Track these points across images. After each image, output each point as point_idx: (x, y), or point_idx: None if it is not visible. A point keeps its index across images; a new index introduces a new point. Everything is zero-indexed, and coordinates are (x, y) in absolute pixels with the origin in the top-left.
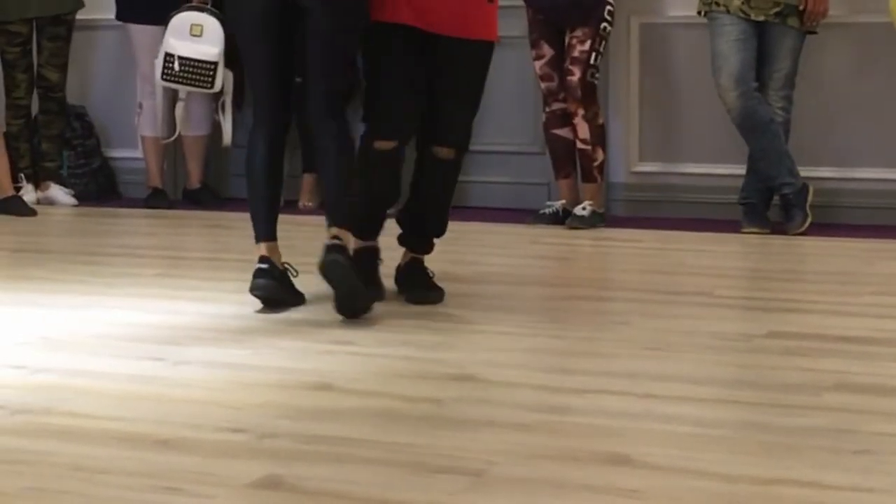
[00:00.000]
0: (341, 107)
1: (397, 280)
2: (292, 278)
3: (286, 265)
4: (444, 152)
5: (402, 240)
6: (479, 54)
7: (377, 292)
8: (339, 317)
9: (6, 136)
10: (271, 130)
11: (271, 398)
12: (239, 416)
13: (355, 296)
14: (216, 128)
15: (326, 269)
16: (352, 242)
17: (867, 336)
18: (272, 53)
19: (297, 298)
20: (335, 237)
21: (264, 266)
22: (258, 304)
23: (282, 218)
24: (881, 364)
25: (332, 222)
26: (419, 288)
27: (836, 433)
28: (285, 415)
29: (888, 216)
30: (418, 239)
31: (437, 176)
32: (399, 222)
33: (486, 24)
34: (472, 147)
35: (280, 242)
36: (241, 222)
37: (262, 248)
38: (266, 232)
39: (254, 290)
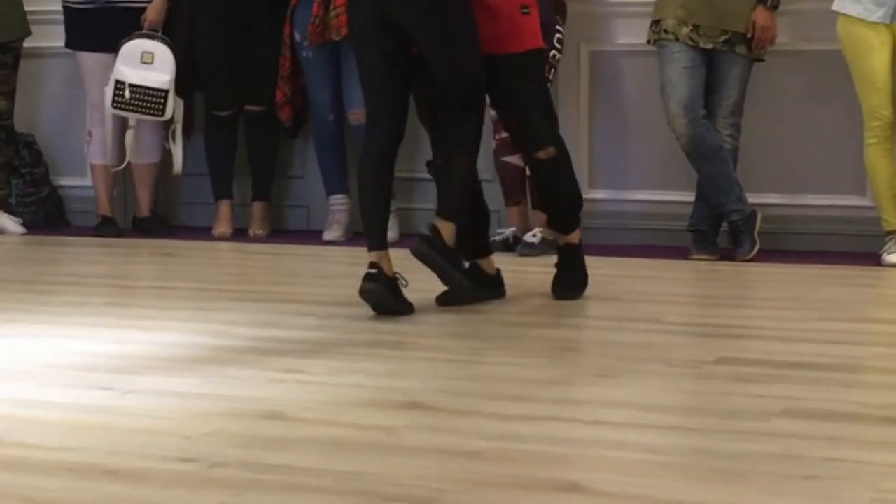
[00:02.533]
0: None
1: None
2: (402, 287)
3: (397, 274)
4: (542, 153)
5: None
6: (522, 64)
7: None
8: (291, 345)
9: None
10: (384, 139)
11: (221, 427)
12: (189, 445)
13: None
14: (166, 156)
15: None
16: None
17: (814, 361)
18: (384, 62)
19: (406, 307)
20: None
21: (373, 271)
22: (208, 332)
23: (233, 247)
24: (828, 389)
25: (442, 213)
26: (561, 286)
27: (784, 459)
28: (235, 444)
29: (835, 242)
30: (553, 218)
31: (544, 174)
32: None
33: (522, 34)
34: (420, 174)
35: (231, 270)
36: (192, 251)
37: (372, 255)
38: (376, 241)
39: (363, 294)
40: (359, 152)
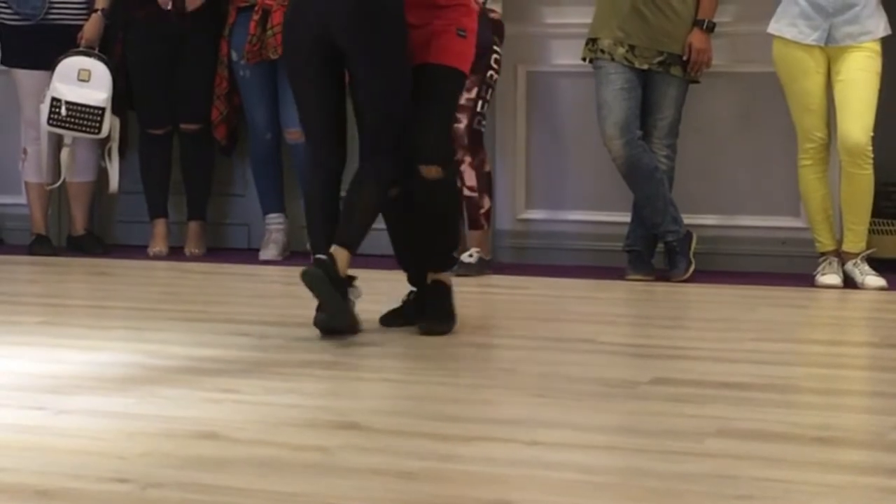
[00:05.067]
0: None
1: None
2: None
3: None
4: (427, 170)
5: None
6: (440, 76)
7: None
8: (226, 365)
9: None
10: (326, 171)
11: (156, 447)
12: (123, 465)
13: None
14: (102, 174)
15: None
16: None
17: (748, 382)
18: (321, 92)
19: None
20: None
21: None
22: (142, 352)
23: (168, 265)
24: (761, 410)
25: (340, 241)
26: (429, 319)
27: (718, 479)
28: (170, 464)
29: (769, 263)
30: (425, 254)
31: (423, 195)
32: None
33: (450, 51)
34: None
35: (166, 289)
36: (127, 270)
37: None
38: (320, 248)
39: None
40: (297, 171)
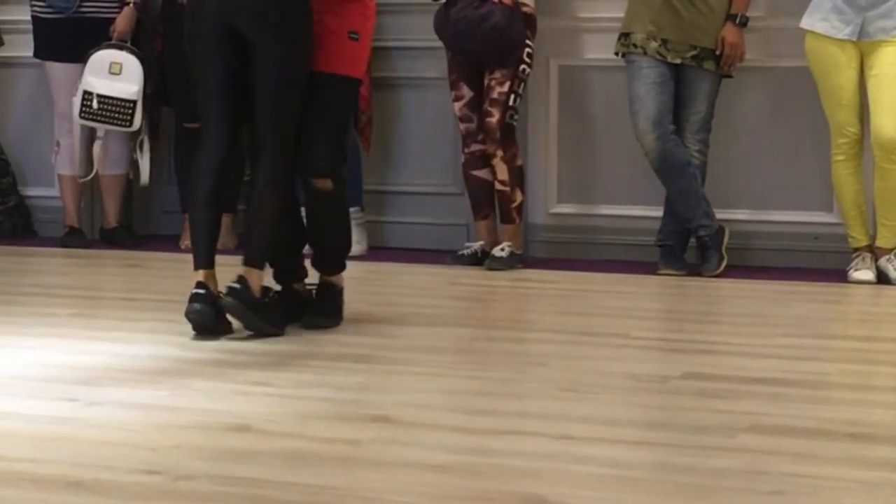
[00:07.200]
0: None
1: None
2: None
3: (220, 294)
4: (320, 182)
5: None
6: (330, 86)
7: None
8: (257, 358)
9: None
10: (219, 155)
11: (187, 439)
12: (154, 457)
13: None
14: (134, 167)
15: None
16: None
17: (780, 377)
18: (221, 80)
19: (227, 326)
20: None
21: (200, 291)
22: (174, 344)
23: None
24: (793, 405)
25: (248, 262)
26: (314, 314)
27: (750, 474)
28: (201, 456)
29: (801, 258)
30: (317, 255)
31: (315, 205)
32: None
33: (342, 58)
34: (391, 187)
35: None
36: (158, 262)
37: (199, 274)
38: (205, 260)
39: (189, 314)
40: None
